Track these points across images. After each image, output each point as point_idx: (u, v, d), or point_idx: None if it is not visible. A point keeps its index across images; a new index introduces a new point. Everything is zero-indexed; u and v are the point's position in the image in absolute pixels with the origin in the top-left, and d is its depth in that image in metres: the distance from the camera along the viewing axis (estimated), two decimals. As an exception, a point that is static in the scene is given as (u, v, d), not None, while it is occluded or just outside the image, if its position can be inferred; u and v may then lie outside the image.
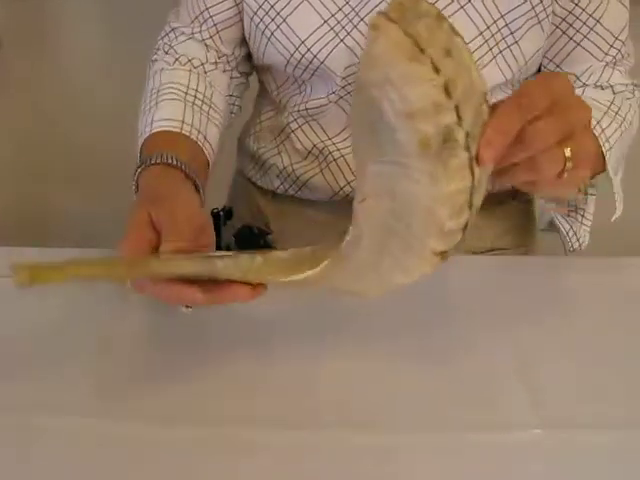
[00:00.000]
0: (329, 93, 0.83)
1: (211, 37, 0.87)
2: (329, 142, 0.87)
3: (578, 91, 0.83)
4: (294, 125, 0.89)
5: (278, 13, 0.80)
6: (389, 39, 0.45)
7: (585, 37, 0.82)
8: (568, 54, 0.84)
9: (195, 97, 0.82)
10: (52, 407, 0.58)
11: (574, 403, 0.61)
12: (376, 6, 0.77)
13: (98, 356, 0.65)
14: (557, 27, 0.82)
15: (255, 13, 0.81)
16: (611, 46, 0.83)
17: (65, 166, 1.90)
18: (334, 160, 0.87)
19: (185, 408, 0.60)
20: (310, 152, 0.89)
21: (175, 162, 0.70)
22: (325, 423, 0.59)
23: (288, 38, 0.80)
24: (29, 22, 1.80)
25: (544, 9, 0.78)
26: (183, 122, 0.78)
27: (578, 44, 0.83)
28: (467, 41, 0.69)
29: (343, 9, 0.79)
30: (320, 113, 0.86)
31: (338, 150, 0.87)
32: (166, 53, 0.87)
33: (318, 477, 0.55)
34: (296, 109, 0.88)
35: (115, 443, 0.56)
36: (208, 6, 0.85)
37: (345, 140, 0.87)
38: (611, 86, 0.85)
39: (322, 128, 0.88)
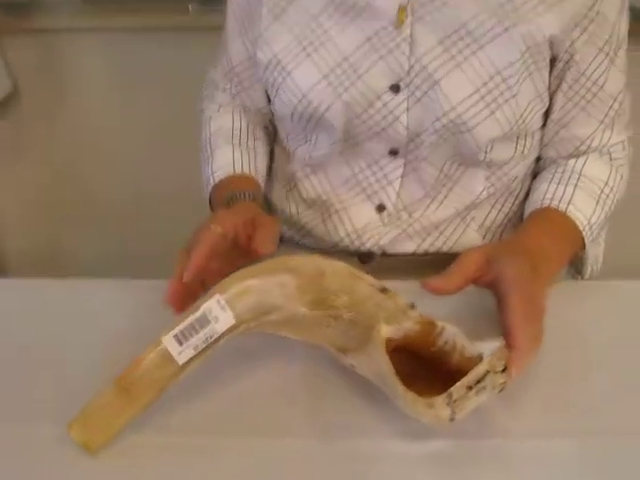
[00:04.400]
0: (331, 144, 0.89)
1: (239, 93, 0.99)
2: (332, 193, 0.93)
3: (581, 159, 0.90)
4: (301, 174, 0.95)
5: (284, 68, 0.86)
6: None
7: (589, 102, 0.87)
8: (573, 118, 0.88)
9: (240, 137, 0.96)
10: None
11: (542, 412, 0.66)
12: (374, 63, 0.82)
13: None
14: (564, 94, 0.87)
15: (266, 67, 0.88)
16: (610, 107, 0.88)
17: (80, 208, 2.03)
18: (336, 212, 0.93)
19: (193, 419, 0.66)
20: (315, 202, 0.94)
21: (242, 196, 0.88)
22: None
23: (292, 91, 0.86)
24: (47, 70, 1.90)
25: (536, 59, 0.82)
26: (234, 163, 0.95)
27: (582, 109, 0.88)
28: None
29: (342, 65, 0.83)
30: (324, 163, 0.92)
31: (340, 202, 0.92)
32: (210, 102, 1.03)
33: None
34: (303, 158, 0.94)
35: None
36: (234, 64, 0.97)
37: (351, 195, 0.92)
38: (609, 153, 0.90)
39: (327, 178, 0.93)
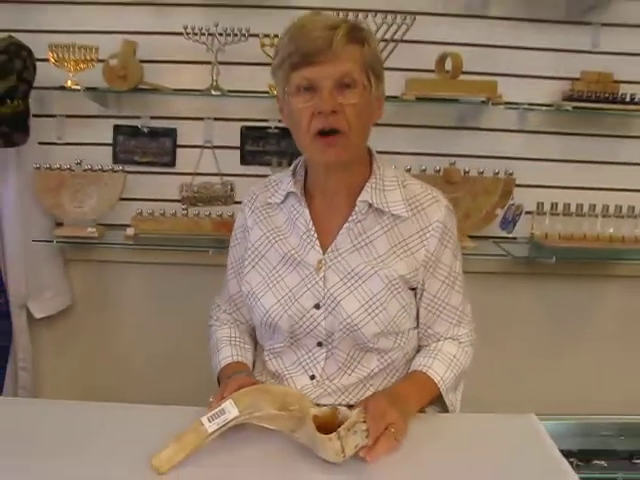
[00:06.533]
0: (283, 340, 1.48)
1: (234, 312, 1.61)
2: (285, 369, 1.51)
3: (440, 343, 1.51)
4: (267, 359, 1.54)
5: (256, 296, 1.48)
6: None
7: (441, 312, 1.50)
8: (433, 322, 1.51)
9: (236, 341, 1.58)
10: None
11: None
12: (304, 292, 1.43)
13: None
14: (424, 308, 1.49)
15: (247, 296, 1.51)
16: (455, 314, 1.51)
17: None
18: (286, 379, 1.50)
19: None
20: (274, 374, 1.52)
21: (242, 373, 1.44)
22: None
23: (260, 310, 1.48)
24: (99, 290, 2.52)
25: (396, 287, 1.42)
26: (232, 355, 1.54)
27: (438, 316, 1.50)
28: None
29: (288, 294, 1.44)
30: (280, 352, 1.51)
31: (289, 374, 1.50)
32: (215, 320, 1.65)
33: None
34: (267, 348, 1.53)
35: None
36: (231, 294, 1.60)
37: (295, 370, 1.49)
38: (458, 339, 1.52)
39: (282, 361, 1.51)
